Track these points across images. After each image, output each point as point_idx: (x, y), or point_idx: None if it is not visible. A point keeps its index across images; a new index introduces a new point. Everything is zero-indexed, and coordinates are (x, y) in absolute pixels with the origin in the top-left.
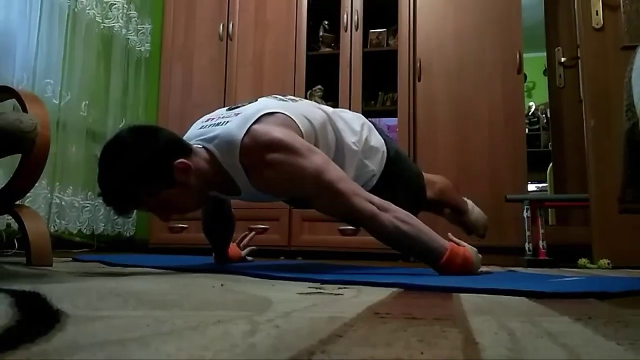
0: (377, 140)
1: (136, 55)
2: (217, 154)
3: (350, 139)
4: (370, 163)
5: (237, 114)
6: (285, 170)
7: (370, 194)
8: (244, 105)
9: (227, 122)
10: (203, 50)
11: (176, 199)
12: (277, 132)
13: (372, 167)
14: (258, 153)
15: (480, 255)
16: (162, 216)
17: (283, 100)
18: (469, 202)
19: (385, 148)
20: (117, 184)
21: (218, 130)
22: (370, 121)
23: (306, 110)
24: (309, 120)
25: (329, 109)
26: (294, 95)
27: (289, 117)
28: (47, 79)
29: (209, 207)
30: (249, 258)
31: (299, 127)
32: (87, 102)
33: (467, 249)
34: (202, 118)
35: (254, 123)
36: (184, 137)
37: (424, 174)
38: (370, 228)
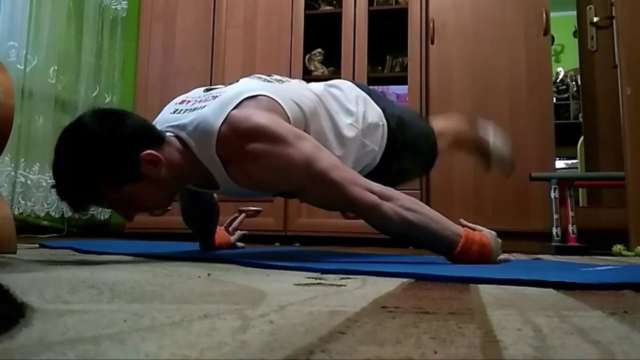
0: (374, 114)
1: (111, 14)
2: (191, 144)
3: (346, 120)
4: (370, 142)
5: (214, 97)
6: (269, 161)
7: (370, 182)
8: (223, 87)
9: (204, 106)
10: (187, 9)
11: (142, 195)
12: (259, 117)
13: (373, 146)
14: (237, 143)
15: (499, 240)
16: (125, 214)
17: (268, 81)
18: (490, 134)
19: (384, 121)
20: (74, 175)
21: (192, 115)
22: (363, 88)
23: (294, 92)
24: (297, 104)
25: (319, 88)
26: (284, 76)
27: (274, 100)
28: (10, 41)
29: (187, 196)
30: (240, 244)
31: (285, 111)
32: (55, 67)
33: (485, 234)
34: (176, 99)
35: (233, 108)
36: (154, 121)
37: (433, 123)
38: (373, 220)
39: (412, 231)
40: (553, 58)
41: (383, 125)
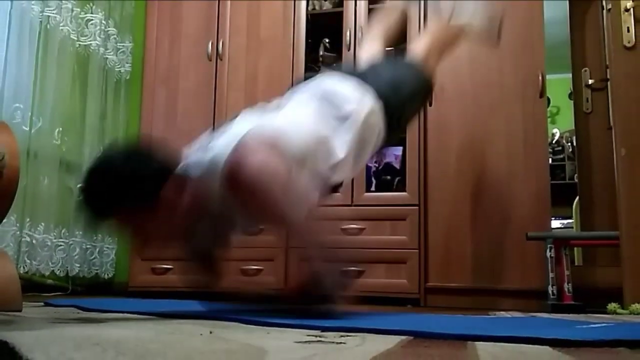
0: (369, 102)
1: (115, 76)
2: (203, 177)
3: (342, 139)
4: (373, 129)
5: (221, 136)
6: (255, 208)
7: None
8: (228, 125)
9: (214, 144)
10: (190, 72)
11: (156, 225)
12: (258, 157)
13: (376, 129)
14: (238, 179)
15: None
16: (139, 240)
17: (267, 111)
18: (464, 16)
19: (378, 102)
20: (99, 195)
21: (206, 152)
22: (351, 71)
23: (294, 121)
24: (297, 135)
25: (314, 102)
26: (283, 98)
27: (277, 135)
28: (16, 103)
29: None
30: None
31: (287, 140)
32: (60, 129)
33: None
34: (195, 146)
35: (238, 145)
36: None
37: (417, 49)
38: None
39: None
40: (549, 120)
41: (379, 107)
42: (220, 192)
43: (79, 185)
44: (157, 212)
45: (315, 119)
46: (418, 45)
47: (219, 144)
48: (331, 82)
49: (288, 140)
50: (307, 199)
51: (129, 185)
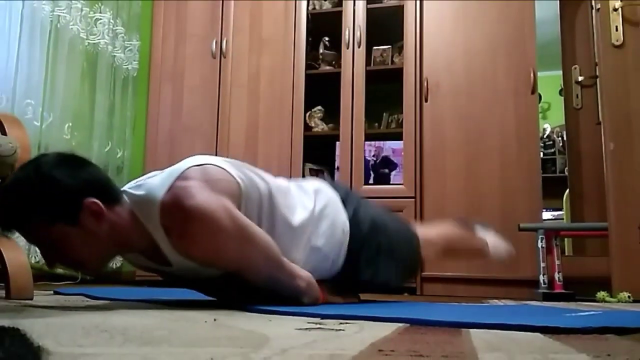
0: (335, 218)
1: (123, 73)
2: (136, 211)
3: (292, 217)
4: (322, 244)
5: (163, 170)
6: (207, 250)
7: (297, 268)
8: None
9: (152, 179)
10: (194, 69)
11: (72, 243)
12: (200, 195)
13: (325, 251)
14: (178, 220)
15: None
16: (48, 258)
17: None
18: (489, 238)
19: (347, 227)
20: (14, 194)
21: (143, 187)
22: (340, 191)
23: (241, 165)
24: (240, 171)
25: (273, 181)
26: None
27: (220, 167)
28: (27, 99)
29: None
30: None
31: (232, 176)
32: (70, 124)
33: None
34: (130, 183)
35: (177, 178)
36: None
37: (421, 231)
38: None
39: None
40: (540, 115)
41: (344, 231)
42: (157, 229)
43: None
44: (76, 230)
45: (278, 180)
46: (429, 230)
47: (154, 181)
48: (314, 181)
49: (232, 170)
50: (253, 234)
51: (46, 196)
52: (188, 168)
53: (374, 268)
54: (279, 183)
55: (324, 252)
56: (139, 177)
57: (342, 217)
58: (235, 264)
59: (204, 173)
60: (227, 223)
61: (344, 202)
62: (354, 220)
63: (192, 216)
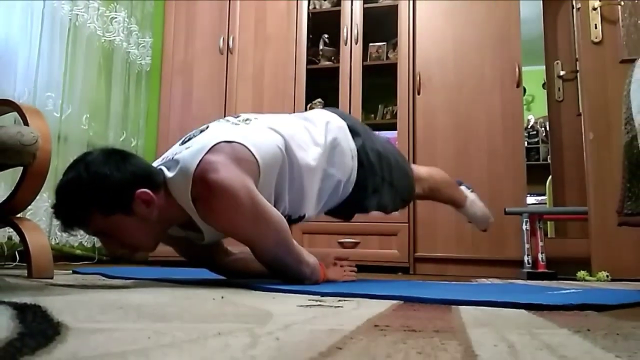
0: (344, 146)
1: (137, 68)
2: (172, 187)
3: (308, 158)
4: (335, 171)
5: (187, 148)
6: (223, 221)
7: (305, 254)
8: (195, 137)
9: (183, 152)
10: (203, 64)
11: (128, 230)
12: (225, 171)
13: (338, 176)
14: (203, 191)
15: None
16: (109, 246)
17: (236, 123)
18: (470, 195)
19: (355, 153)
20: (72, 192)
21: (175, 163)
22: (347, 119)
23: (260, 136)
24: (260, 148)
25: (291, 123)
26: (252, 114)
27: (244, 146)
28: (48, 92)
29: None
30: None
31: (253, 155)
32: (87, 115)
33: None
34: (158, 159)
35: (207, 153)
36: (166, 155)
37: (414, 167)
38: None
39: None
40: (525, 107)
41: (353, 157)
42: (189, 202)
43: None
44: (131, 218)
45: (291, 122)
46: (421, 168)
47: (185, 156)
48: (323, 112)
49: (254, 149)
50: (270, 214)
51: (101, 192)
52: (218, 143)
53: (378, 196)
54: (293, 128)
55: (337, 178)
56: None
57: (351, 145)
58: (248, 240)
59: (232, 150)
60: (245, 201)
61: (352, 131)
62: (362, 149)
63: (215, 189)
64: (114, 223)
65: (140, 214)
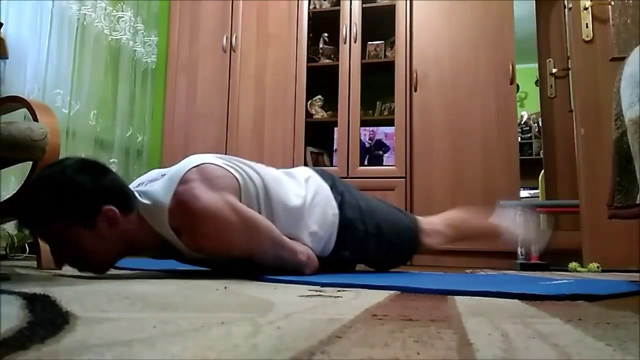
0: (325, 202)
1: (143, 66)
2: (146, 217)
3: (287, 200)
4: (317, 228)
5: (163, 175)
6: (215, 243)
7: (296, 244)
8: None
9: (154, 184)
10: (207, 62)
11: (86, 245)
12: (203, 196)
13: (320, 233)
14: (186, 220)
15: None
16: (59, 257)
17: (218, 157)
18: (504, 222)
19: (337, 210)
20: (40, 191)
21: (146, 195)
22: (331, 175)
23: (234, 162)
24: (234, 165)
25: (267, 174)
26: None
27: (218, 165)
28: (57, 89)
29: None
30: None
31: (231, 172)
32: (95, 111)
33: None
34: (133, 182)
35: (179, 183)
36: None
37: (425, 220)
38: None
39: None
40: (518, 104)
41: (334, 214)
42: (169, 231)
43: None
44: (90, 233)
45: (270, 171)
46: (434, 218)
47: (157, 188)
48: (304, 169)
49: (227, 166)
50: (258, 222)
51: (70, 198)
52: (188, 171)
53: (363, 248)
54: (272, 172)
55: (319, 236)
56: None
57: (332, 203)
58: (246, 252)
59: (202, 173)
60: (232, 218)
61: (332, 188)
62: (342, 205)
63: (199, 217)
64: (71, 235)
65: (101, 232)
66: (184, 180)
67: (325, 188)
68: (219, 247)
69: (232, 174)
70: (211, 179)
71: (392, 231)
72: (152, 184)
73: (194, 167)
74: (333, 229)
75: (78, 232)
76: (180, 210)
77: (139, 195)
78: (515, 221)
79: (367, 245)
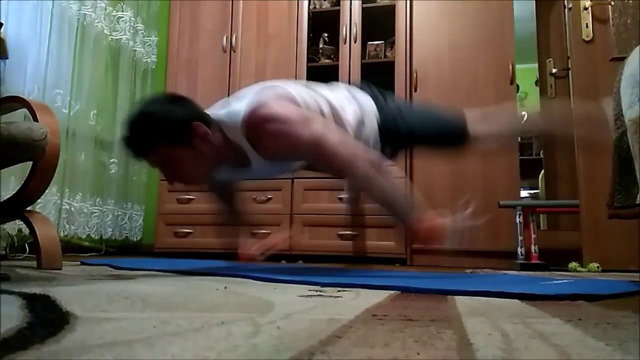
0: (369, 110)
1: (143, 66)
2: (225, 129)
3: (348, 117)
4: (367, 131)
5: (238, 96)
6: (283, 140)
7: (370, 151)
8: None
9: (232, 102)
10: (207, 62)
11: (188, 162)
12: (273, 104)
13: (370, 135)
14: (257, 125)
15: (460, 227)
16: (170, 176)
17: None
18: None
19: (377, 115)
20: (143, 125)
21: (226, 109)
22: (368, 89)
23: (306, 92)
24: (305, 98)
25: (338, 95)
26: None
27: (287, 89)
28: (57, 89)
29: (216, 190)
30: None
31: (296, 99)
32: (95, 111)
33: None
34: (216, 104)
35: (255, 94)
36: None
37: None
38: (361, 186)
39: (384, 199)
40: (518, 104)
41: (377, 117)
42: (241, 137)
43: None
44: (190, 151)
45: (329, 90)
46: (482, 111)
47: (236, 102)
48: (345, 85)
49: (298, 96)
50: (337, 132)
51: (165, 125)
52: (262, 89)
53: (401, 143)
54: (334, 95)
55: (372, 139)
56: None
57: (373, 109)
58: (313, 146)
59: (275, 93)
60: (298, 116)
61: (374, 97)
62: (381, 110)
63: (267, 117)
64: (176, 154)
65: (198, 148)
66: (258, 94)
67: (368, 101)
68: (286, 149)
69: (298, 101)
70: (283, 98)
71: (429, 125)
72: (232, 101)
73: (268, 87)
74: (376, 132)
75: (181, 152)
76: (252, 118)
77: (221, 110)
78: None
79: (406, 117)
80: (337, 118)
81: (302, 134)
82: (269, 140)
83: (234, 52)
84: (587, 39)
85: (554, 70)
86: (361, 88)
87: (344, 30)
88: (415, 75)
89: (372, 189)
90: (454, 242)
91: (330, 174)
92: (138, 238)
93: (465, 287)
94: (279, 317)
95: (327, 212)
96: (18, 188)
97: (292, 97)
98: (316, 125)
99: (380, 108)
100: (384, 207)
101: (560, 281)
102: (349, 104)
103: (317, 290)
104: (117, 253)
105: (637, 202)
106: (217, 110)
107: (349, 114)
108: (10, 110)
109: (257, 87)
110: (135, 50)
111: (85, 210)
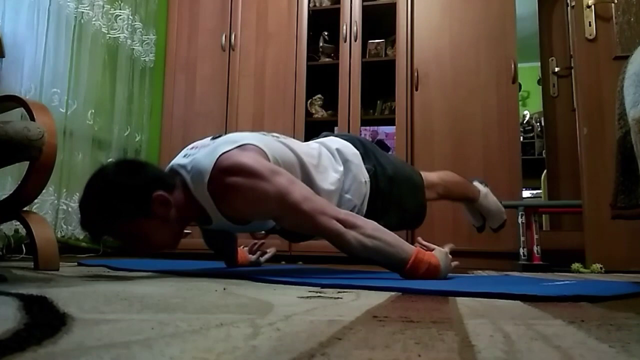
0: (358, 173)
1: (141, 65)
2: (188, 182)
3: (326, 181)
4: (350, 196)
5: (212, 142)
6: (247, 194)
7: (338, 210)
8: (223, 136)
9: (203, 151)
10: (206, 61)
11: (152, 231)
12: (240, 157)
13: (355, 202)
14: (221, 178)
15: (450, 257)
16: (136, 247)
17: (263, 134)
18: (483, 189)
19: (368, 179)
20: (95, 207)
21: (193, 158)
22: (358, 144)
23: (279, 148)
24: (276, 157)
25: (309, 150)
26: (282, 135)
27: (258, 146)
28: (54, 88)
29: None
30: (262, 259)
31: (266, 154)
32: (93, 110)
33: (435, 253)
34: (189, 145)
35: (223, 153)
36: (170, 163)
37: (426, 175)
38: (337, 245)
39: (370, 254)
40: (520, 103)
41: (366, 183)
42: (204, 191)
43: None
44: (152, 220)
45: (306, 147)
46: (433, 174)
47: (199, 155)
48: (336, 139)
49: (269, 152)
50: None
51: (121, 202)
52: (233, 148)
53: (385, 218)
54: (308, 150)
55: (353, 203)
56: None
57: (363, 171)
58: (278, 206)
59: (244, 149)
60: (266, 173)
61: (363, 157)
62: (374, 176)
63: (232, 169)
64: (137, 227)
65: (160, 215)
66: (228, 152)
67: (357, 157)
68: (249, 204)
69: (269, 159)
70: (252, 151)
71: (411, 198)
72: (201, 150)
73: (239, 145)
74: (365, 196)
75: (143, 223)
76: (217, 171)
77: (180, 168)
78: (490, 193)
79: (390, 212)
80: (306, 177)
81: (268, 189)
82: (232, 194)
83: (233, 50)
84: (590, 37)
85: (556, 69)
86: (354, 144)
87: (344, 29)
88: (416, 74)
89: (343, 246)
90: (447, 272)
91: (303, 232)
92: None
93: (466, 288)
94: (278, 319)
95: None
96: (15, 188)
97: (261, 152)
98: (282, 179)
99: (373, 174)
100: (369, 260)
101: (562, 282)
102: (329, 163)
103: (317, 292)
104: (115, 254)
105: None
106: (180, 160)
107: (325, 174)
108: (7, 110)
109: (226, 138)
110: (134, 48)
111: None
